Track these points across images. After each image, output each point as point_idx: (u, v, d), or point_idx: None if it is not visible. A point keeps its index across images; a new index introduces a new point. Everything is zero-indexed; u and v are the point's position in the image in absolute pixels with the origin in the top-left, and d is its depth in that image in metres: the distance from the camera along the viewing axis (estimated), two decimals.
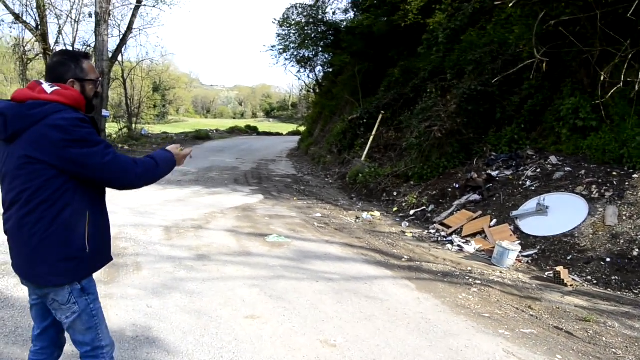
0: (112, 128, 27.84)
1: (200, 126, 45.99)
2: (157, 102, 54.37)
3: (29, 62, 23.60)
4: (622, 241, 7.07)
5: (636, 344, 4.66)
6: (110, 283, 5.27)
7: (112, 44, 23.50)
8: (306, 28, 25.40)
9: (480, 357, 4.14)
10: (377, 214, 10.65)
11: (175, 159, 2.69)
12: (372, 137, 16.11)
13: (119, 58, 25.98)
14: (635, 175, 8.24)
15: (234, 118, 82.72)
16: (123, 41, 24.35)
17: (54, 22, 23.38)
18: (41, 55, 22.22)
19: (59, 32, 23.18)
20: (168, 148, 2.71)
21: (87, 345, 2.49)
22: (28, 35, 22.75)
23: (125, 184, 2.46)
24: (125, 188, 2.52)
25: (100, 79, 2.57)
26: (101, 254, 2.59)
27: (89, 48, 23.41)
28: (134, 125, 29.44)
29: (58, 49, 21.97)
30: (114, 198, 9.63)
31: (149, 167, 2.52)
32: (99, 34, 20.92)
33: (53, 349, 2.66)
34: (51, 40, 22.55)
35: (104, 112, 21.90)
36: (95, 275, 5.32)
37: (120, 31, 24.46)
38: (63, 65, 2.45)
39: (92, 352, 2.50)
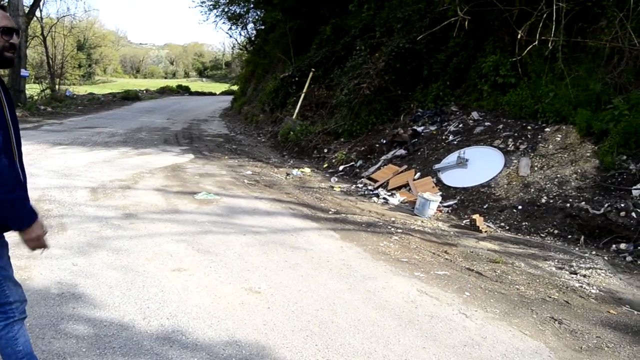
0: (33, 89, 26.29)
1: (129, 86, 44.30)
2: (82, 62, 51.58)
3: None
4: (532, 190, 7.58)
5: (537, 281, 5.10)
6: None
7: None
8: None
9: (396, 296, 4.43)
10: (307, 170, 10.83)
11: (32, 218, 2.35)
12: (303, 95, 16.15)
13: (37, 13, 24.43)
14: (547, 129, 8.76)
15: (165, 78, 79.95)
16: None
17: None
18: None
19: None
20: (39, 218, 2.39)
21: None
22: None
23: None
24: None
25: (12, 28, 2.38)
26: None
27: (2, 2, 21.86)
28: (57, 86, 27.92)
29: None
30: (35, 161, 9.39)
31: None
32: None
33: None
34: None
35: (23, 72, 20.66)
36: (17, 237, 5.24)
37: None
38: None
39: None
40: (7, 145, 2.35)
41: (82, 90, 35.01)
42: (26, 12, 21.24)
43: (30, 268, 4.54)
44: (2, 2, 2.59)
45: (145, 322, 3.67)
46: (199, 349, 3.37)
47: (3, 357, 2.54)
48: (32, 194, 6.81)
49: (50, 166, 9.20)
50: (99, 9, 74.38)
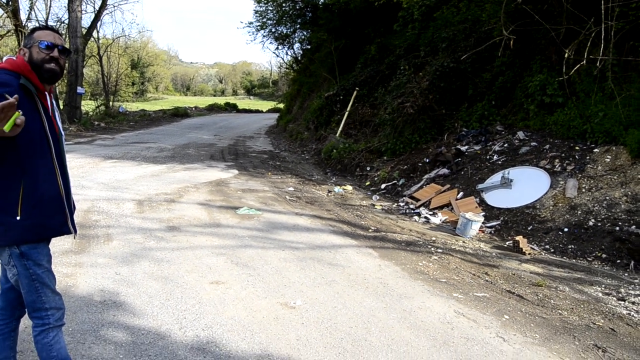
0: (89, 106, 27.49)
1: (179, 103, 45.60)
2: (135, 80, 53.54)
3: (0, 38, 23.08)
4: (579, 212, 7.35)
5: (582, 306, 4.92)
6: (81, 253, 5.37)
7: (86, 20, 23.15)
8: (284, 5, 25.15)
9: (432, 317, 4.36)
10: (349, 187, 10.83)
11: None
12: (347, 114, 16.22)
13: (94, 34, 25.53)
14: (596, 150, 8.51)
15: (214, 95, 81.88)
16: (97, 17, 23.98)
17: None
18: (13, 31, 21.60)
19: (31, 8, 22.59)
20: None
21: (29, 305, 2.60)
22: None
23: None
24: None
25: (54, 44, 2.54)
26: (42, 224, 2.54)
27: (62, 24, 22.97)
28: (111, 103, 29.04)
29: (30, 25, 21.53)
30: (87, 174, 9.75)
31: None
32: (72, 10, 20.63)
33: (11, 311, 2.75)
34: (23, 16, 21.97)
35: (79, 89, 21.62)
36: (65, 246, 5.44)
37: (94, 7, 24.16)
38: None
39: (34, 313, 2.60)
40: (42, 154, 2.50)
41: (134, 106, 36.21)
42: (84, 33, 22.26)
43: (75, 275, 4.71)
44: (52, 26, 2.78)
45: (181, 332, 3.74)
46: None
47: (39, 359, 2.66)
48: (82, 205, 7.14)
49: (101, 179, 9.54)
50: (153, 29, 76.80)
